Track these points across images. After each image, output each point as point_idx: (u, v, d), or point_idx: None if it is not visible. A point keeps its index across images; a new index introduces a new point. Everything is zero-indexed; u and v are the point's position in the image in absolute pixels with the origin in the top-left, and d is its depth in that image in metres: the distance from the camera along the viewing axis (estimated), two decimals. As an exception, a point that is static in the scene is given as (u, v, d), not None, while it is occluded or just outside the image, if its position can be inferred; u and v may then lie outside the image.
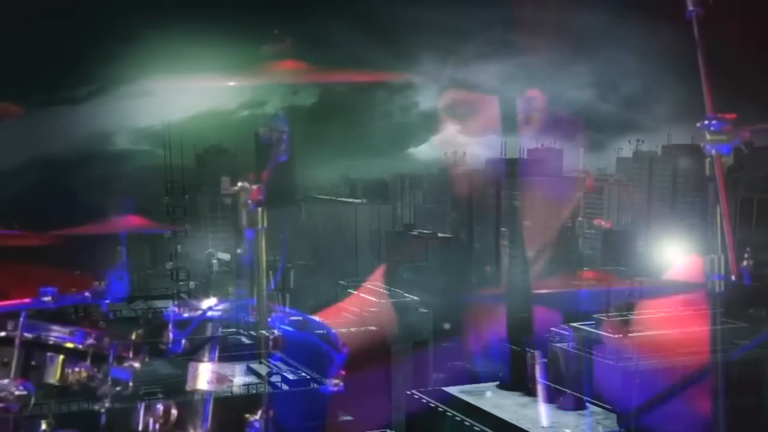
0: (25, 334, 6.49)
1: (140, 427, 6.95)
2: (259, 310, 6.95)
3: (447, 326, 72.53)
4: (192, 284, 49.50)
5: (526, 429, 37.99)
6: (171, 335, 6.93)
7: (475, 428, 39.20)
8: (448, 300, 79.61)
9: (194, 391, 7.16)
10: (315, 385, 37.38)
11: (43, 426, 6.64)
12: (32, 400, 6.36)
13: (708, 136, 6.53)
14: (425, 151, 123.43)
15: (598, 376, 43.11)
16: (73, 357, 6.61)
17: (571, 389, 41.71)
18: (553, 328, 48.22)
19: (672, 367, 41.86)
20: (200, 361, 7.16)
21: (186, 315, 7.01)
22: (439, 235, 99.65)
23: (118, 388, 6.59)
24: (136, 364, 6.62)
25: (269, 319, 7.11)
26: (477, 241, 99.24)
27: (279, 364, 38.83)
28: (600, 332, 45.48)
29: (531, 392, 42.12)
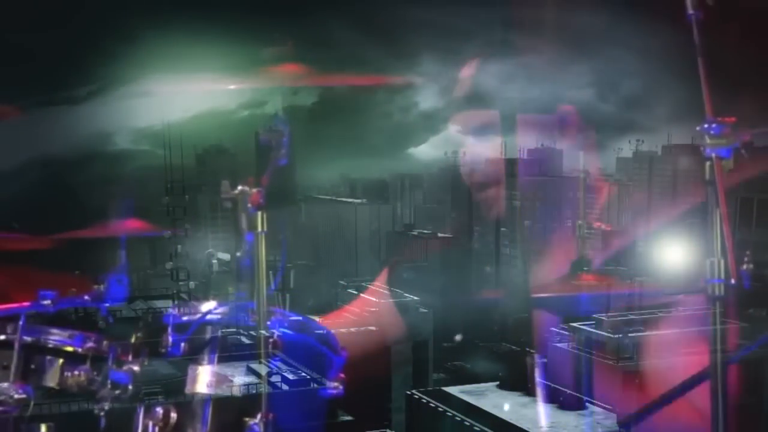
0: (25, 338, 6.48)
1: (140, 430, 6.95)
2: (258, 312, 6.95)
3: (458, 338, 72.36)
4: (192, 284, 49.45)
5: (526, 429, 37.96)
6: (170, 338, 6.92)
7: (475, 428, 39.16)
8: (448, 300, 79.63)
9: (194, 394, 7.16)
10: (315, 386, 37.35)
11: (43, 429, 6.63)
12: (32, 403, 6.36)
13: (708, 140, 6.52)
14: (425, 151, 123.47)
15: (598, 376, 43.12)
16: (73, 360, 6.60)
17: (571, 389, 41.69)
18: (553, 329, 48.22)
19: (672, 367, 41.85)
20: (199, 363, 7.16)
21: (185, 318, 7.00)
22: (439, 235, 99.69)
23: (117, 391, 6.58)
24: (136, 367, 6.61)
25: (269, 322, 7.11)
26: (477, 242, 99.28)
27: (279, 365, 38.81)
28: (600, 332, 45.47)
29: (531, 392, 42.09)
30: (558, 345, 47.24)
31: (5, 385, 6.18)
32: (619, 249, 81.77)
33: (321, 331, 8.74)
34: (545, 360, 44.44)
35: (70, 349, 6.65)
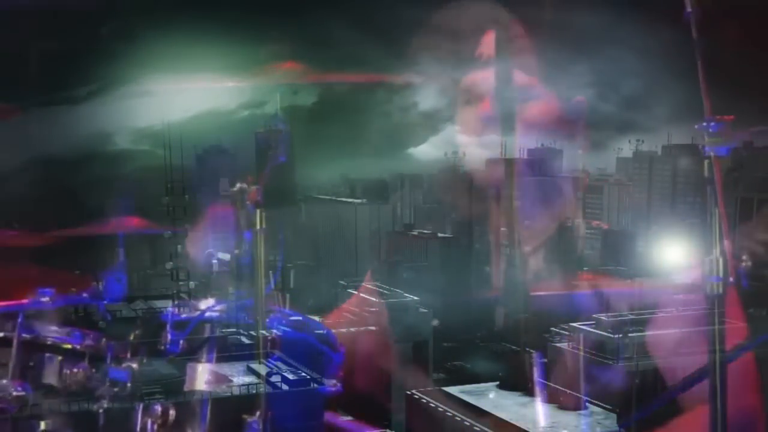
0: (23, 335, 6.49)
1: (138, 428, 6.96)
2: (257, 310, 6.97)
3: (435, 323, 72.39)
4: (192, 284, 49.37)
5: (526, 429, 37.92)
6: (169, 336, 6.94)
7: (475, 428, 39.14)
8: (448, 300, 79.58)
9: (193, 391, 7.17)
10: (315, 385, 37.36)
11: (42, 426, 6.63)
12: (30, 401, 6.36)
13: (706, 138, 6.51)
14: (425, 151, 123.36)
15: (598, 376, 43.11)
16: (71, 357, 6.61)
17: (571, 389, 41.66)
18: (552, 329, 48.22)
19: (672, 367, 41.86)
20: (198, 362, 7.18)
21: (183, 316, 7.02)
22: (439, 235, 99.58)
23: (116, 389, 6.59)
24: (134, 365, 6.62)
25: (267, 320, 7.13)
26: (477, 242, 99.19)
27: (278, 364, 38.80)
28: (600, 332, 45.47)
29: (531, 392, 42.05)
30: (558, 345, 47.24)
31: (4, 382, 6.18)
32: (619, 248, 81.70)
33: (321, 331, 8.75)
34: (545, 360, 44.43)
35: (68, 346, 6.66)
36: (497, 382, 45.27)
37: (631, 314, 46.94)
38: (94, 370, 6.61)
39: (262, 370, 36.97)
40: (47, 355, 6.57)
